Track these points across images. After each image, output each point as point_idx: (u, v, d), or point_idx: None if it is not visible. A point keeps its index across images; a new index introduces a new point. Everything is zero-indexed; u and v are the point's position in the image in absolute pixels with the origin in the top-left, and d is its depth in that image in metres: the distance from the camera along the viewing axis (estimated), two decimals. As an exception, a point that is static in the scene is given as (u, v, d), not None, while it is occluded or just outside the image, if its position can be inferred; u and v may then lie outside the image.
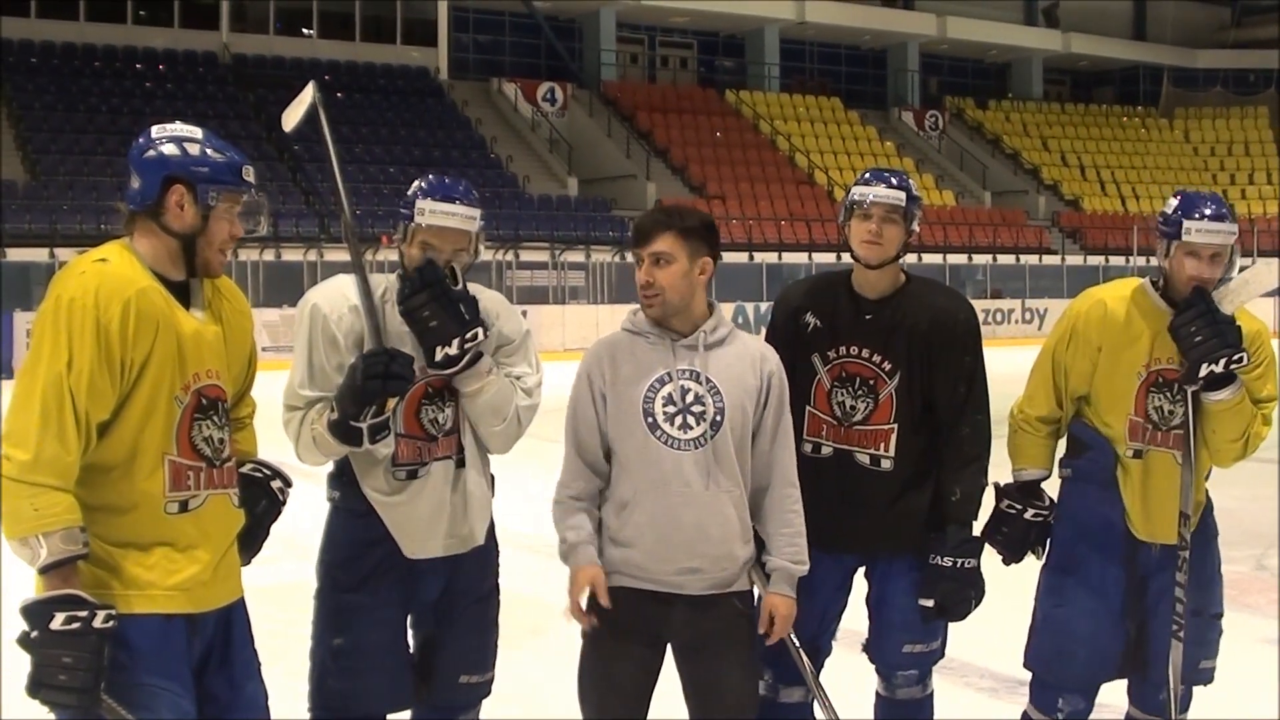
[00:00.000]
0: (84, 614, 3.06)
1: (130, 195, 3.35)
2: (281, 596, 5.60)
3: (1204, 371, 4.06)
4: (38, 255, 23.88)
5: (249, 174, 3.41)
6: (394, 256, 3.96)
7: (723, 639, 3.77)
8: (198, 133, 3.42)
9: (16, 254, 24.08)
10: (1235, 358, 4.05)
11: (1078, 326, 4.33)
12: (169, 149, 3.34)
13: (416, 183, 3.89)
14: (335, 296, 3.85)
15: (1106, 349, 4.27)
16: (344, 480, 3.90)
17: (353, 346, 3.79)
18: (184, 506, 3.30)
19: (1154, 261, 4.33)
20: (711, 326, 3.79)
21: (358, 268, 3.81)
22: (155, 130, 3.41)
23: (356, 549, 3.87)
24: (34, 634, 3.06)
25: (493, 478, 4.08)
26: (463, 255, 3.87)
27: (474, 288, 3.98)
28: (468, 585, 3.98)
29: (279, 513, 3.71)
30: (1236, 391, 4.10)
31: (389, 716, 3.98)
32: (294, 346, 3.88)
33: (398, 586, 3.88)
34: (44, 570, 3.09)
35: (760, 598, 3.87)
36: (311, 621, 3.95)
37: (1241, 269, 4.20)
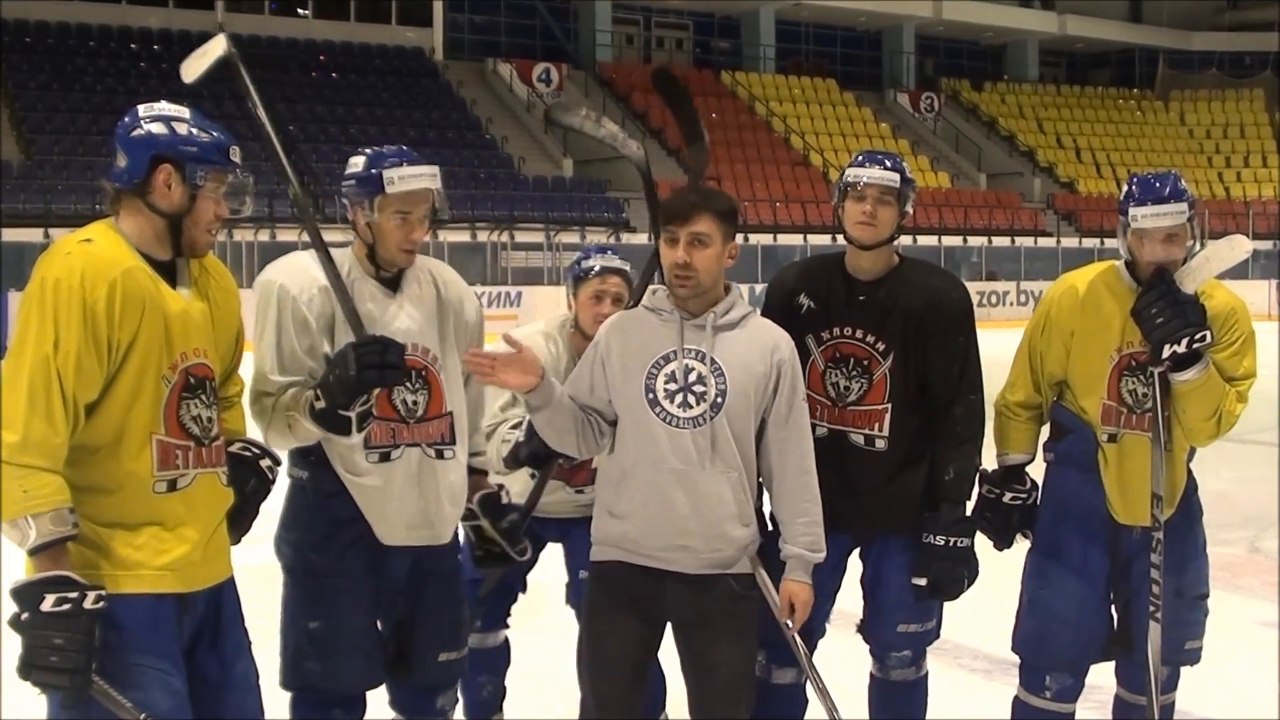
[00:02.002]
0: (74, 595, 3.05)
1: (117, 174, 3.33)
2: (274, 576, 5.60)
3: (1167, 352, 4.05)
4: (33, 235, 23.82)
5: (235, 154, 3.39)
6: (338, 234, 3.92)
7: (719, 619, 3.77)
8: (185, 112, 3.40)
9: (11, 234, 24.01)
10: (1198, 336, 4.03)
11: (1051, 312, 4.34)
12: (156, 128, 3.32)
13: (359, 160, 3.84)
14: (302, 277, 3.80)
15: (1079, 333, 4.27)
16: (313, 460, 3.85)
17: (324, 329, 3.76)
18: (172, 486, 3.28)
19: None
20: (724, 309, 3.78)
21: (319, 245, 3.78)
22: (142, 109, 3.38)
23: (328, 530, 3.84)
24: (24, 616, 3.05)
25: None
26: (427, 220, 3.84)
27: (433, 264, 4.01)
28: (434, 564, 3.96)
29: (268, 491, 3.69)
30: (1202, 370, 4.08)
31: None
32: (259, 328, 3.81)
33: (369, 565, 3.86)
34: (33, 552, 3.08)
35: (766, 583, 3.88)
36: (283, 598, 3.94)
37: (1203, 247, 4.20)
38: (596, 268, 4.48)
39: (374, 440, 3.80)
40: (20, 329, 3.15)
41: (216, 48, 3.90)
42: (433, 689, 4.05)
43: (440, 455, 3.90)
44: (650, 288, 3.92)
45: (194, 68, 3.97)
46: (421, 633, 3.96)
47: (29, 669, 3.06)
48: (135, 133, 3.33)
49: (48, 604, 3.03)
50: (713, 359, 3.73)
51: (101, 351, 3.15)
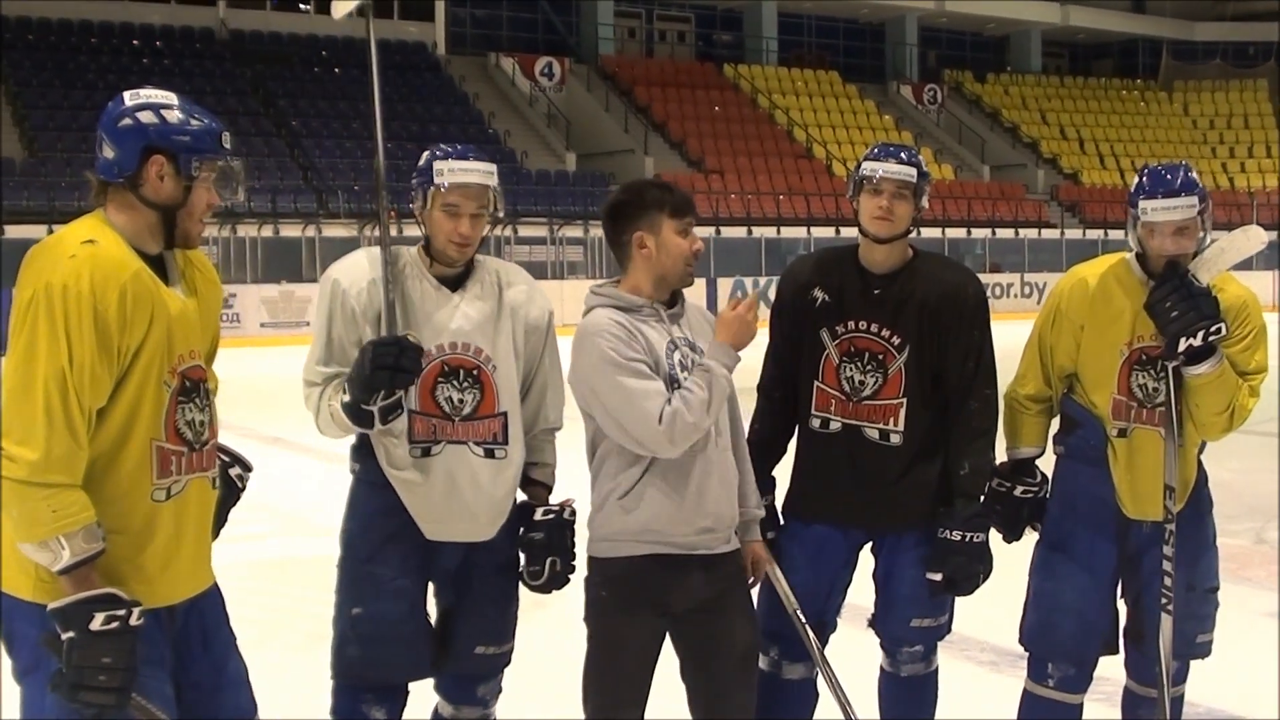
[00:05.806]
0: (122, 613, 2.97)
1: (104, 166, 3.20)
2: (278, 572, 5.59)
3: (1182, 346, 4.02)
4: (36, 232, 23.84)
5: (227, 140, 3.27)
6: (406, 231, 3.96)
7: (731, 594, 3.87)
8: (173, 98, 3.26)
9: (15, 231, 24.08)
10: (1213, 329, 4.01)
11: (1061, 305, 4.31)
12: (147, 117, 3.19)
13: (426, 154, 3.89)
14: (356, 271, 3.86)
15: (1089, 327, 4.25)
16: (364, 452, 3.89)
17: (372, 321, 3.79)
18: (168, 493, 3.18)
19: None
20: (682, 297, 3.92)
21: (381, 238, 3.83)
22: (128, 96, 3.24)
23: (373, 519, 3.87)
24: (71, 635, 2.95)
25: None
26: (483, 218, 3.85)
27: (502, 266, 4.03)
28: (487, 557, 3.94)
29: (237, 499, 3.64)
30: (1216, 364, 4.06)
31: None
32: (315, 323, 3.92)
33: (414, 555, 3.87)
34: (63, 571, 2.97)
35: (778, 576, 4.00)
36: (335, 589, 3.95)
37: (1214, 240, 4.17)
38: None
39: (416, 435, 3.81)
40: (27, 338, 2.99)
41: None
42: (472, 679, 4.03)
43: (490, 455, 3.88)
44: (595, 288, 3.89)
45: (341, 7, 4.00)
46: (463, 624, 3.96)
47: (77, 690, 2.95)
48: (123, 122, 3.19)
49: (97, 623, 2.94)
50: (695, 343, 3.83)
51: (111, 359, 3.04)
